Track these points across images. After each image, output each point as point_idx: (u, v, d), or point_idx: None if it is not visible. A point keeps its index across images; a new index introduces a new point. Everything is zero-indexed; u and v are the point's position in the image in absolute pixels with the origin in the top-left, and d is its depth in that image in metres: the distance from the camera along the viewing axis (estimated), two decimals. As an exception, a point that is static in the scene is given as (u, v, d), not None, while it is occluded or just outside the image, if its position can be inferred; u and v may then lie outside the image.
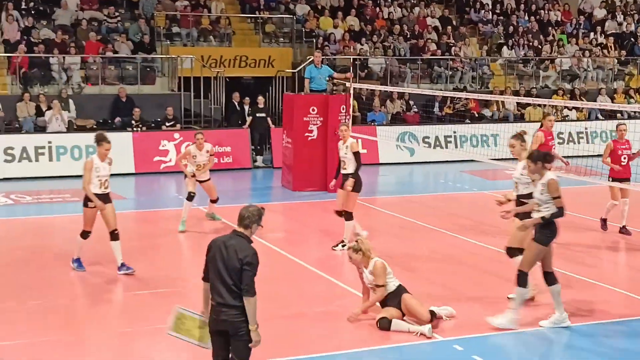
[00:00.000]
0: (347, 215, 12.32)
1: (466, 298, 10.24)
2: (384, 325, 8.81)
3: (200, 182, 13.80)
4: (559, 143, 23.34)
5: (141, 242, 13.31)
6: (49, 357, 8.12)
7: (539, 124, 14.45)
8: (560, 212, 8.74)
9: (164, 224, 14.72)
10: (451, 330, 8.98)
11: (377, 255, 9.14)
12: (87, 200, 10.81)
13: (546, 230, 8.83)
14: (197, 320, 6.69)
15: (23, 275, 11.06)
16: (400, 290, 9.08)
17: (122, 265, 11.05)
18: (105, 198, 10.86)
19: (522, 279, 8.89)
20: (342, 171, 12.49)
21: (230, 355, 6.45)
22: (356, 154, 12.28)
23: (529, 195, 9.40)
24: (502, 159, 19.10)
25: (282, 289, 10.64)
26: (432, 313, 9.08)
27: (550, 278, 9.02)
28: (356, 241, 9.19)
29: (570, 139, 23.99)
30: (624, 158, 13.38)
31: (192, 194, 13.67)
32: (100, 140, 10.80)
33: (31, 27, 22.73)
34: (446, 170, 21.12)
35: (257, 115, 21.24)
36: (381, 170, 21.10)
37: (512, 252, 9.81)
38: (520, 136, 10.11)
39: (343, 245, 12.10)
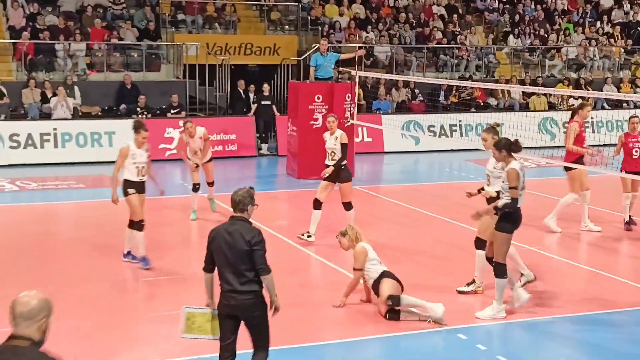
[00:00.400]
0: (348, 206, 12.13)
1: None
2: (395, 301, 8.81)
3: (199, 164, 13.84)
4: (564, 132, 23.34)
5: (146, 230, 13.31)
6: (54, 343, 8.14)
7: (569, 114, 14.22)
8: (512, 202, 8.73)
9: (168, 211, 14.75)
10: (455, 319, 8.99)
11: (367, 241, 9.16)
12: (126, 188, 10.67)
13: (507, 218, 8.83)
14: (207, 314, 6.69)
15: (28, 261, 11.09)
16: (383, 275, 9.00)
17: (143, 258, 10.81)
18: (141, 186, 10.76)
19: (499, 270, 8.89)
20: (330, 162, 12.15)
21: (252, 341, 6.51)
22: (344, 146, 12.10)
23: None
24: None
25: (286, 277, 10.65)
26: (393, 298, 8.88)
27: (501, 270, 8.92)
28: (348, 226, 9.35)
29: (576, 128, 23.90)
30: (636, 151, 13.15)
31: (196, 186, 13.73)
32: (138, 127, 10.74)
33: (36, 14, 22.72)
34: (451, 159, 21.09)
35: (262, 102, 21.23)
36: (386, 159, 21.09)
37: (479, 243, 9.77)
38: (493, 129, 10.03)
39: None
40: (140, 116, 20.37)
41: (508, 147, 8.88)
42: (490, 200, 9.58)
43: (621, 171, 13.11)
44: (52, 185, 16.89)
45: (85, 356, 7.81)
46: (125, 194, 10.69)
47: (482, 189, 9.89)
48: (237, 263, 6.33)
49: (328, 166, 12.16)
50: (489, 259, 9.16)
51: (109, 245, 11.95)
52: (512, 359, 7.98)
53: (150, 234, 12.83)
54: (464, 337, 8.48)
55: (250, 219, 6.51)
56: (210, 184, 14.14)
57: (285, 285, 10.08)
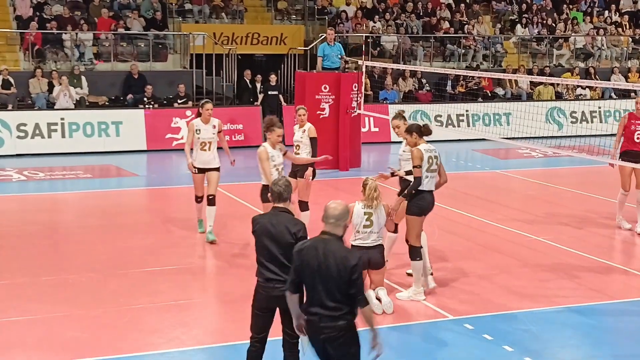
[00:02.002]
0: (304, 206, 11.38)
1: (476, 276, 10.25)
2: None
3: (207, 170, 11.46)
4: (572, 122, 23.30)
5: (152, 219, 13.37)
6: (60, 333, 8.19)
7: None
8: (416, 182, 8.98)
9: (175, 201, 14.78)
10: (462, 309, 9.00)
11: (379, 204, 8.68)
12: (264, 192, 9.35)
13: (415, 202, 9.05)
14: None
15: (36, 251, 11.13)
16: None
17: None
18: None
19: (414, 253, 9.10)
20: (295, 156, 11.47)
21: (282, 330, 6.47)
22: (313, 140, 11.50)
23: (410, 173, 9.34)
24: (514, 138, 19.10)
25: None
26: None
27: (414, 252, 9.10)
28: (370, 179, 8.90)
29: (584, 118, 23.87)
30: (638, 135, 12.04)
31: (198, 199, 11.68)
32: (270, 126, 9.71)
33: (43, 3, 22.72)
34: (458, 149, 21.06)
35: (269, 92, 21.22)
36: (393, 149, 21.07)
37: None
38: (401, 116, 10.07)
39: None
40: (147, 106, 20.39)
41: (418, 130, 9.17)
42: (402, 181, 9.65)
43: (620, 158, 12.10)
44: (59, 175, 16.93)
45: (92, 344, 7.85)
46: (267, 200, 10.11)
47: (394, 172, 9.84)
48: (280, 254, 6.29)
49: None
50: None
51: (116, 235, 11.99)
52: (519, 349, 7.98)
53: (156, 225, 12.87)
54: (471, 327, 8.48)
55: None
56: (210, 200, 11.36)
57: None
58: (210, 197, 11.35)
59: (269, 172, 9.59)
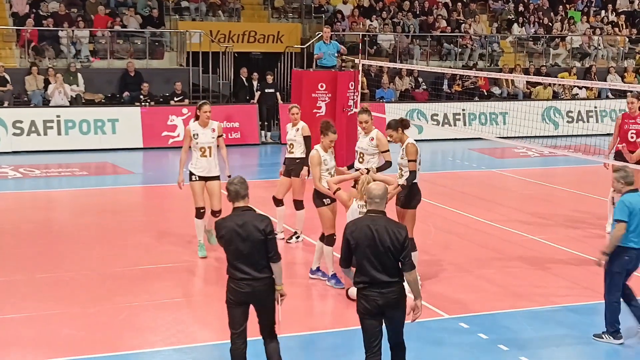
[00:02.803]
0: (299, 205, 11.33)
1: (472, 275, 10.27)
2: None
3: (207, 179, 10.50)
4: (568, 122, 23.33)
5: (148, 217, 13.36)
6: (56, 330, 8.19)
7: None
8: (413, 175, 9.16)
9: (171, 199, 14.76)
10: (457, 308, 9.02)
11: (353, 199, 8.62)
12: (322, 198, 9.36)
13: (412, 195, 9.22)
14: None
15: (32, 248, 11.12)
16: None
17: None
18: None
19: (411, 245, 9.06)
20: (288, 155, 11.44)
21: (259, 322, 6.64)
22: (307, 138, 11.32)
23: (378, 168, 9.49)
24: (510, 137, 19.12)
25: (289, 266, 10.70)
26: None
27: (412, 245, 9.16)
28: (368, 170, 8.93)
29: (580, 117, 23.90)
30: (632, 136, 11.96)
31: (201, 210, 10.58)
32: (325, 129, 9.47)
33: (40, 0, 22.66)
34: (454, 148, 21.08)
35: (266, 90, 21.21)
36: (390, 148, 21.06)
37: None
38: (367, 110, 10.14)
39: (297, 237, 11.54)
40: (143, 104, 20.38)
41: (401, 124, 9.33)
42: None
43: (614, 158, 12.07)
44: (55, 172, 16.91)
45: (89, 342, 7.85)
46: (321, 204, 9.40)
47: (351, 166, 9.82)
48: (253, 253, 6.40)
49: (290, 159, 11.36)
50: None
51: (112, 233, 11.98)
52: (514, 348, 7.99)
53: (152, 222, 12.87)
54: (466, 326, 8.50)
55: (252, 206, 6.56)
56: (216, 212, 10.39)
57: (288, 271, 10.11)
58: (217, 215, 10.11)
59: (318, 178, 9.29)
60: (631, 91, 23.58)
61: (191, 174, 10.44)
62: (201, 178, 10.42)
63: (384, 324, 6.51)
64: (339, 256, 6.78)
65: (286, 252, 11.22)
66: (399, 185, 9.14)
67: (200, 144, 10.37)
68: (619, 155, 12.05)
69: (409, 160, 9.21)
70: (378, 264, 6.31)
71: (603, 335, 8.22)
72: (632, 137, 12.00)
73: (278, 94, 21.53)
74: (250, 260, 6.42)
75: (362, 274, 6.37)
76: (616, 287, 8.03)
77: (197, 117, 10.54)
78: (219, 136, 10.52)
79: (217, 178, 10.46)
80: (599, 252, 8.09)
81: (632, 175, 8.12)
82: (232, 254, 6.47)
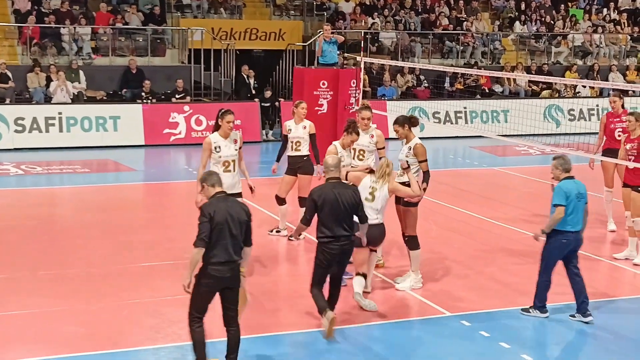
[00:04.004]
0: (303, 202, 10.78)
1: (473, 273, 10.28)
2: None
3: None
4: (569, 120, 23.32)
5: (150, 214, 13.38)
6: (59, 327, 8.20)
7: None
8: (427, 175, 9.30)
9: (172, 196, 14.79)
10: (459, 305, 9.03)
11: (385, 182, 8.72)
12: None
13: None
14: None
15: (34, 245, 11.13)
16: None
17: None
18: None
19: (414, 243, 9.37)
20: (295, 153, 11.34)
21: (224, 307, 6.90)
22: (313, 136, 11.39)
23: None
24: (512, 135, 19.12)
25: (292, 263, 10.73)
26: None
27: (414, 242, 9.38)
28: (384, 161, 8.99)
29: (581, 115, 23.89)
30: (619, 134, 11.95)
31: None
32: (348, 129, 9.46)
33: (42, -3, 22.70)
34: (456, 146, 21.08)
35: (262, 105, 21.10)
36: (391, 145, 21.03)
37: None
38: (369, 107, 10.29)
39: (300, 235, 11.11)
40: (145, 101, 20.38)
41: (409, 122, 9.36)
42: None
43: (602, 154, 12.11)
44: (57, 169, 16.92)
45: (91, 339, 7.86)
46: None
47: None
48: (239, 234, 6.73)
49: (296, 157, 11.33)
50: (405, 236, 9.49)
51: (114, 230, 11.99)
52: (515, 346, 8.01)
53: (154, 219, 12.88)
54: (468, 324, 8.51)
55: None
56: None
57: (293, 270, 10.11)
58: None
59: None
60: (633, 90, 23.76)
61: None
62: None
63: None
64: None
65: (289, 250, 11.25)
66: (422, 189, 9.12)
67: (223, 158, 9.20)
68: (607, 152, 12.06)
69: (420, 161, 9.25)
70: (340, 221, 7.81)
71: (530, 310, 8.76)
72: (619, 136, 12.02)
73: (277, 103, 21.47)
74: (236, 242, 6.69)
75: (326, 230, 7.82)
76: (549, 269, 8.59)
77: (217, 127, 9.29)
78: (239, 148, 9.45)
79: (239, 195, 9.24)
80: (539, 229, 8.55)
81: (570, 162, 8.60)
82: (220, 236, 6.63)
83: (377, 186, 8.71)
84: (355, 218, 8.11)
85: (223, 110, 9.29)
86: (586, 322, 8.59)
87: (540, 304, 8.73)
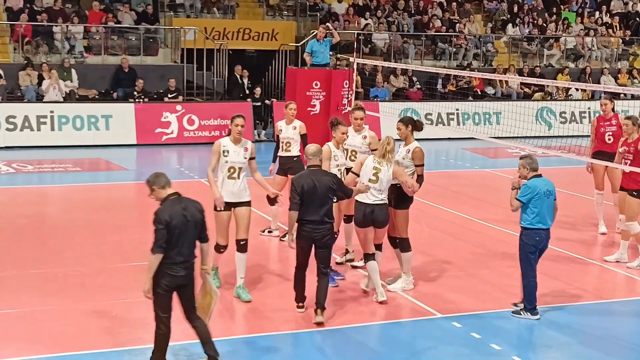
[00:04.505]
0: (271, 201, 11.29)
1: (465, 275, 10.29)
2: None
3: (235, 205, 8.93)
4: (561, 122, 23.37)
5: (142, 213, 13.32)
6: (49, 326, 8.17)
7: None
8: (422, 179, 9.31)
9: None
10: (450, 307, 9.03)
11: (389, 161, 8.84)
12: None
13: (405, 195, 9.25)
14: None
15: (24, 244, 11.09)
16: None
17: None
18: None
19: (405, 245, 9.39)
20: (285, 153, 11.36)
21: (182, 304, 7.02)
22: (304, 137, 11.34)
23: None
24: (504, 137, 19.15)
25: (283, 263, 10.72)
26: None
27: (406, 245, 9.40)
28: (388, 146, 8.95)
29: (573, 118, 23.95)
30: (609, 137, 11.99)
31: (221, 249, 9.07)
32: (335, 124, 9.52)
33: (34, -5, 22.63)
34: (448, 148, 21.11)
35: (254, 104, 21.08)
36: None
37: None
38: (362, 108, 10.31)
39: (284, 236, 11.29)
40: (137, 100, 20.33)
41: (413, 124, 9.42)
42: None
43: (592, 157, 12.11)
44: (48, 168, 16.86)
45: (81, 338, 7.83)
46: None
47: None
48: (196, 233, 6.90)
49: (287, 157, 11.34)
50: (391, 238, 9.49)
51: (105, 229, 11.96)
52: (507, 347, 8.01)
53: (146, 218, 12.83)
54: (459, 325, 8.51)
55: None
56: (241, 245, 8.97)
57: (288, 270, 10.09)
58: (241, 243, 8.92)
59: (328, 170, 9.17)
60: (625, 94, 23.84)
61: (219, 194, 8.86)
62: (227, 205, 8.84)
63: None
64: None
65: (280, 250, 11.24)
66: (415, 185, 9.13)
67: (229, 163, 8.84)
68: (597, 155, 12.08)
69: (417, 165, 9.28)
70: (316, 206, 8.22)
71: (521, 312, 8.82)
72: (609, 139, 12.06)
73: (267, 101, 21.45)
74: (190, 242, 6.83)
75: (304, 213, 8.25)
76: (531, 268, 8.65)
77: (229, 132, 9.01)
78: (251, 158, 8.99)
79: (247, 204, 8.91)
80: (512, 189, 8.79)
81: (537, 161, 8.70)
82: (177, 239, 6.73)
83: (381, 167, 8.82)
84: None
85: (234, 115, 8.96)
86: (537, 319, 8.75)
87: (530, 305, 8.74)
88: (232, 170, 8.85)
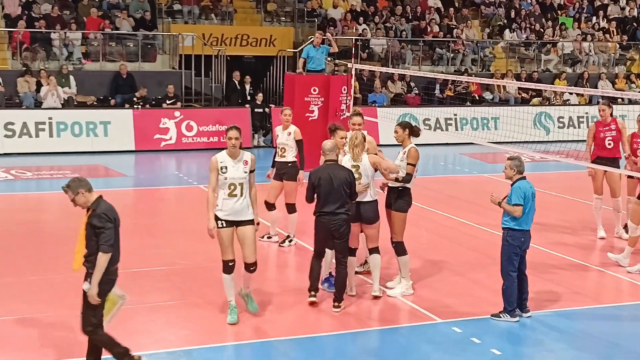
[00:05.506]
0: (291, 208, 11.37)
1: (464, 280, 10.29)
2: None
3: (238, 223, 8.43)
4: (559, 127, 23.40)
5: (140, 220, 13.33)
6: (47, 332, 8.16)
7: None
8: (409, 177, 9.30)
9: (162, 202, 14.75)
10: (450, 312, 9.03)
11: (360, 153, 9.07)
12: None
13: (404, 198, 9.36)
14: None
15: (22, 250, 11.08)
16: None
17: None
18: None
19: (400, 249, 9.42)
20: (280, 159, 11.42)
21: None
22: (299, 142, 11.35)
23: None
24: (502, 142, 19.16)
25: (282, 269, 10.72)
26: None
27: (401, 248, 9.43)
28: (356, 135, 9.19)
29: (571, 123, 23.99)
30: (609, 142, 12.04)
31: (229, 264, 8.44)
32: (334, 130, 9.56)
33: (32, 2, 22.61)
34: (446, 153, 21.12)
35: (255, 110, 21.10)
36: (385, 152, 21.07)
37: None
38: (360, 114, 10.28)
39: (290, 241, 11.50)
40: (135, 106, 20.34)
41: (411, 129, 9.52)
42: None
43: (592, 162, 12.12)
44: (47, 174, 16.86)
45: (79, 344, 7.81)
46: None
47: None
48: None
49: (282, 163, 11.41)
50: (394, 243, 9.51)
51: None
52: (507, 353, 8.01)
53: (144, 225, 12.84)
54: (459, 330, 8.51)
55: None
56: (250, 267, 8.53)
57: (280, 278, 10.08)
58: (251, 268, 8.46)
59: None
60: (622, 98, 23.86)
61: (217, 218, 8.32)
62: (229, 224, 8.36)
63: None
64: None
65: (279, 256, 11.24)
66: (396, 175, 9.23)
67: (229, 180, 8.26)
68: (596, 161, 12.10)
69: (408, 163, 9.32)
70: (331, 198, 8.64)
71: (501, 315, 8.79)
72: (609, 144, 12.10)
73: (267, 109, 21.47)
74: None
75: (320, 206, 8.72)
76: (514, 269, 8.68)
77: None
78: (251, 171, 8.39)
79: (250, 222, 8.39)
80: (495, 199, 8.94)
81: (524, 164, 8.78)
82: (117, 240, 7.08)
83: (357, 162, 9.06)
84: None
85: (228, 127, 8.57)
86: (528, 317, 8.85)
87: (510, 307, 8.76)
88: (232, 187, 8.25)
